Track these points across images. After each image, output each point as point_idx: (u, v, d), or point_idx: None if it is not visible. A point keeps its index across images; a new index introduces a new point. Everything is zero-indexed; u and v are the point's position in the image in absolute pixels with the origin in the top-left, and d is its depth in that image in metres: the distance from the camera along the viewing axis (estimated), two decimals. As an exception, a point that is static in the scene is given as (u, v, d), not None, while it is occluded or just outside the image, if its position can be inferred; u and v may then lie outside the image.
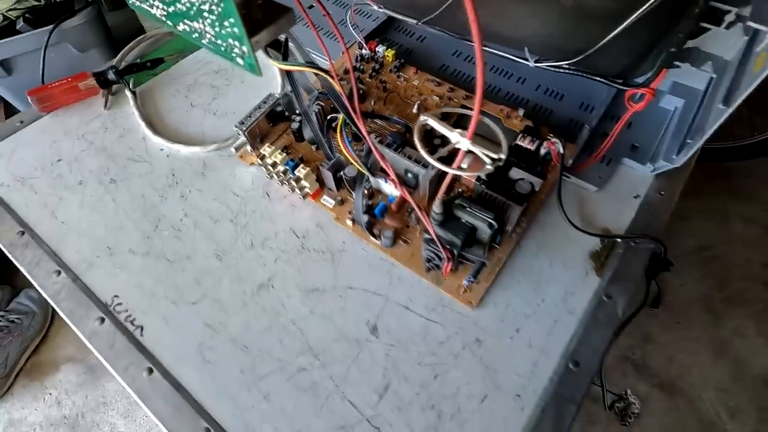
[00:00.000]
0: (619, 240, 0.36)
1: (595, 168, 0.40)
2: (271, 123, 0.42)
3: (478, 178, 0.36)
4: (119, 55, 0.49)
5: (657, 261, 0.38)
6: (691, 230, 1.08)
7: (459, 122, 0.42)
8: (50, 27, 0.88)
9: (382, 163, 0.29)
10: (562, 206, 0.37)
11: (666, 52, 0.32)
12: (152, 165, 0.42)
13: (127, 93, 0.46)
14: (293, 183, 0.37)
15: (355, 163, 0.33)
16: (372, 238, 0.36)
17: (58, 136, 0.44)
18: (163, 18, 0.22)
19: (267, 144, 0.38)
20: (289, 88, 0.39)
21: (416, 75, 0.46)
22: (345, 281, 0.35)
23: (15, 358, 0.88)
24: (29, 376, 0.91)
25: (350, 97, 0.30)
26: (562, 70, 0.39)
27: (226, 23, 0.18)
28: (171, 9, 0.21)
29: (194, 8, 0.19)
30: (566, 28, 0.32)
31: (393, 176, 0.29)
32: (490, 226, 0.30)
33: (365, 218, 0.35)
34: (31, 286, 0.73)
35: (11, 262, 0.37)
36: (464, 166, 0.37)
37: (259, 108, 0.39)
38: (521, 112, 0.42)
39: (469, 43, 0.45)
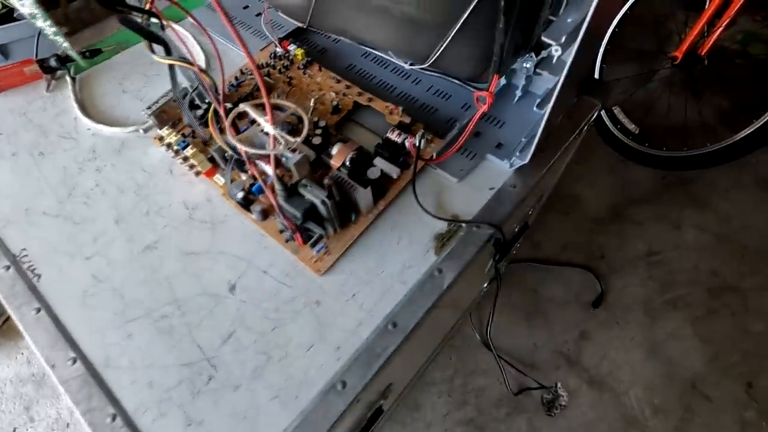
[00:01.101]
0: (463, 224, 0.41)
1: (459, 162, 0.45)
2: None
3: (343, 164, 0.41)
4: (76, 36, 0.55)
5: (499, 245, 0.42)
6: (643, 235, 1.11)
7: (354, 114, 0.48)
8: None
9: (237, 144, 0.35)
10: (415, 193, 0.42)
11: (494, 61, 0.37)
12: (78, 142, 0.48)
13: (67, 78, 0.53)
14: (185, 162, 0.43)
15: (224, 146, 0.39)
16: (248, 213, 0.42)
17: (3, 114, 0.51)
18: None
19: (167, 127, 0.44)
20: (195, 83, 0.44)
21: (320, 72, 0.51)
22: (219, 247, 0.40)
23: (-8, 319, 0.96)
24: (5, 337, 1.00)
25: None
26: (429, 73, 0.44)
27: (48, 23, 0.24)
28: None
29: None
30: (407, 36, 0.37)
31: (244, 155, 0.35)
32: (323, 203, 0.35)
33: (239, 194, 0.41)
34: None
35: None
36: (334, 152, 0.42)
37: (166, 96, 0.45)
38: (401, 109, 0.47)
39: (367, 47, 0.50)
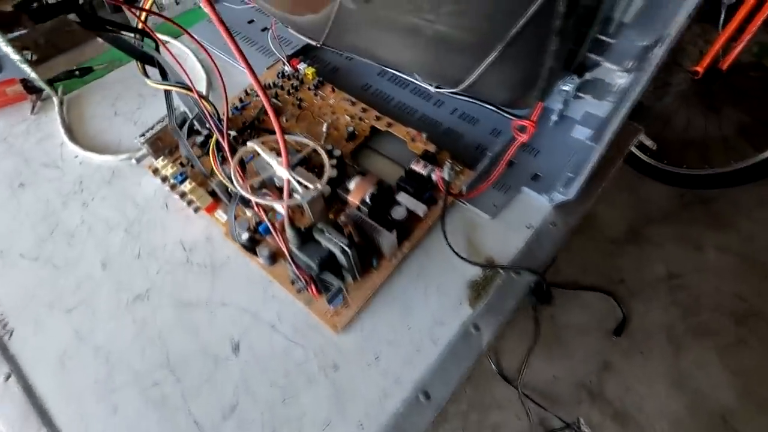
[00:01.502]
0: (500, 271, 0.36)
1: (491, 195, 0.40)
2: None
3: (363, 202, 0.36)
4: (50, 63, 0.51)
5: (540, 293, 0.37)
6: (663, 257, 1.06)
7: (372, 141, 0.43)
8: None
9: (247, 195, 0.30)
10: (445, 233, 0.37)
11: (540, 86, 0.32)
12: (63, 171, 0.43)
13: (54, 99, 0.48)
14: (183, 197, 0.38)
15: (226, 183, 0.34)
16: (254, 256, 0.36)
17: (-18, 139, 0.46)
18: None
19: (162, 157, 0.39)
20: (195, 108, 0.39)
21: (333, 94, 0.46)
22: (219, 296, 0.35)
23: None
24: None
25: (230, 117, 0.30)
26: (457, 96, 0.40)
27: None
28: None
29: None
30: (438, 58, 0.32)
31: (248, 191, 0.30)
32: (343, 251, 0.30)
33: (244, 235, 0.36)
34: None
35: None
36: (351, 186, 0.37)
37: (162, 120, 0.40)
38: (425, 135, 0.42)
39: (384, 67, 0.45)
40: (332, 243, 0.30)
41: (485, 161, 0.40)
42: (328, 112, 0.45)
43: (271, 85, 0.47)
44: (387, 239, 0.33)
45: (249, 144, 0.25)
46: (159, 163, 0.38)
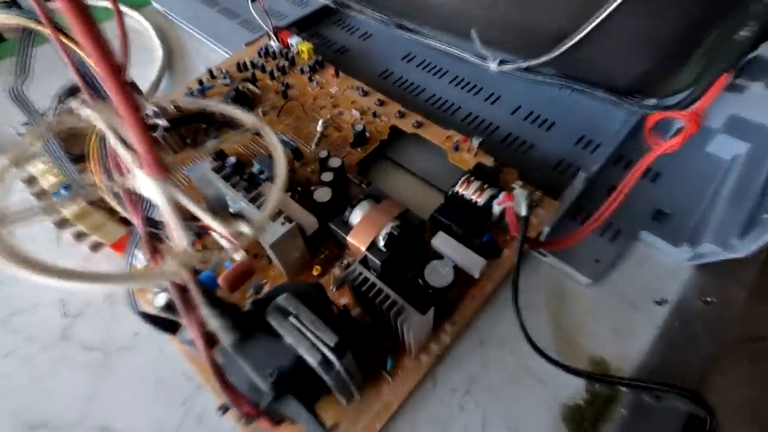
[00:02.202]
0: (623, 388, 0.19)
1: (591, 244, 0.24)
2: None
3: (373, 248, 0.20)
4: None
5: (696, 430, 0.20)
6: (738, 313, 0.87)
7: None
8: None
9: (123, 197, 0.14)
10: (519, 313, 0.20)
11: (724, 47, 0.16)
12: None
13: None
14: (64, 226, 0.22)
15: (109, 199, 0.18)
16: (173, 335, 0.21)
17: None
18: None
19: (42, 159, 0.24)
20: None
21: (336, 79, 0.31)
22: (103, 414, 0.19)
23: None
24: None
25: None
26: (532, 78, 0.24)
27: None
28: None
29: None
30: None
31: (139, 224, 0.14)
32: (326, 364, 0.14)
33: (159, 298, 0.20)
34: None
35: None
36: (355, 220, 0.21)
37: (62, 102, 0.25)
38: (476, 142, 0.26)
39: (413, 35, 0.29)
40: (303, 341, 0.14)
41: (577, 186, 0.24)
42: (327, 105, 0.30)
43: (248, 65, 0.32)
44: (416, 324, 0.17)
45: (78, 108, 0.10)
46: (36, 167, 0.23)
